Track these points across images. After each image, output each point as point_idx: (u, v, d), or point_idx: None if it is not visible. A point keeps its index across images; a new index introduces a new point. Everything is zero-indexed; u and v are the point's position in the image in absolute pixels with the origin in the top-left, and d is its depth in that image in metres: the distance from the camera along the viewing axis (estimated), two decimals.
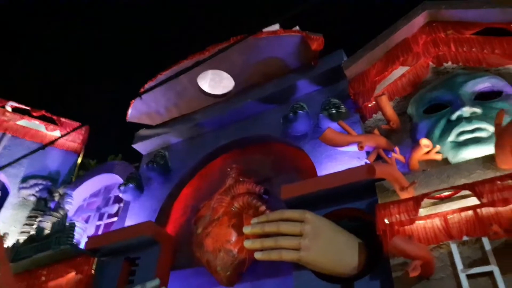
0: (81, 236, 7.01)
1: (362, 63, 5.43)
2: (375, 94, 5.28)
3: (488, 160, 3.71)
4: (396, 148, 4.66)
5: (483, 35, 4.89)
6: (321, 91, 6.39)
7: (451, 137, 4.26)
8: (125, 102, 7.83)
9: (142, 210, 6.91)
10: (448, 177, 3.79)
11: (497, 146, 3.53)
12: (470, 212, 3.48)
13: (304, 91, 6.56)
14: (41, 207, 8.35)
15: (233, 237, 5.49)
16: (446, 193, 3.67)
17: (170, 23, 30.18)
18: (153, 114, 7.88)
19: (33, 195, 8.63)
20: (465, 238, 3.43)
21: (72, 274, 6.15)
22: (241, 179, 6.00)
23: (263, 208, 5.48)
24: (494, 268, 3.17)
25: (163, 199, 6.89)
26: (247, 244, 3.42)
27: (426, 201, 3.67)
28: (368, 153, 4.92)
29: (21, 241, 7.43)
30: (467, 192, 3.51)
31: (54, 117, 9.87)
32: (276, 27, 6.72)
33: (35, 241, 7.00)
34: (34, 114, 9.72)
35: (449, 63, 5.13)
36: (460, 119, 4.27)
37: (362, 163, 4.87)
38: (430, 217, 3.65)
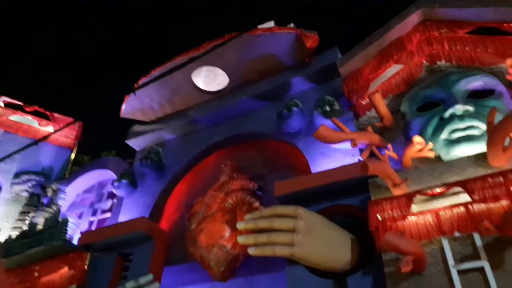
0: (74, 232, 7.00)
1: (356, 61, 5.45)
2: (369, 91, 5.30)
3: (480, 158, 3.76)
4: (389, 145, 4.70)
5: (477, 34, 4.93)
6: (316, 88, 6.41)
7: (444, 135, 4.30)
8: (119, 98, 7.80)
9: (136, 206, 6.90)
10: (440, 174, 3.83)
11: (488, 144, 3.57)
12: (462, 209, 3.52)
13: (299, 89, 6.57)
14: (33, 202, 8.31)
15: (227, 233, 5.51)
16: (438, 190, 3.71)
17: (165, 19, 30.06)
18: (147, 110, 7.86)
19: (26, 190, 8.59)
20: (456, 234, 3.47)
21: (65, 270, 6.14)
22: (235, 176, 6.01)
23: (256, 204, 5.50)
24: (485, 263, 3.22)
25: (157, 195, 6.88)
26: (241, 239, 3.45)
27: (418, 197, 3.71)
28: (361, 150, 4.95)
29: (14, 236, 7.39)
30: (459, 189, 3.56)
31: (47, 113, 9.81)
32: (271, 24, 6.73)
33: (28, 237, 6.98)
34: (27, 109, 9.66)
35: (443, 61, 5.16)
36: (453, 117, 4.31)
37: (355, 160, 4.90)
38: (422, 214, 3.69)
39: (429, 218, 3.64)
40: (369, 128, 4.94)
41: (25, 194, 8.57)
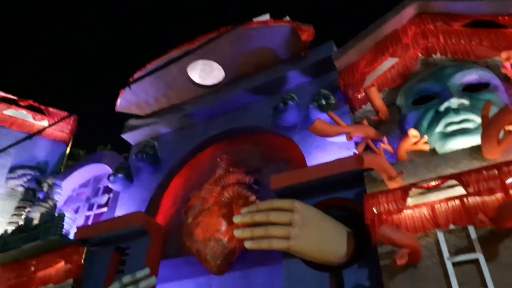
0: (71, 226, 6.98)
1: (352, 54, 5.44)
2: (364, 85, 5.31)
3: (474, 151, 3.78)
4: (385, 139, 4.71)
5: (472, 27, 4.93)
6: (311, 82, 6.40)
7: (439, 128, 4.32)
8: (115, 92, 7.75)
9: (132, 200, 6.90)
10: (435, 167, 3.84)
11: (483, 137, 3.59)
12: (457, 202, 3.54)
13: (294, 82, 6.56)
14: (29, 197, 8.27)
15: (223, 226, 5.52)
16: (434, 183, 3.73)
17: (160, 12, 29.85)
18: (143, 104, 7.83)
19: (21, 185, 8.54)
20: (451, 226, 3.50)
21: (61, 264, 6.14)
22: (231, 170, 6.02)
23: (253, 198, 5.51)
24: (479, 255, 3.25)
25: (153, 189, 6.87)
26: (237, 233, 3.46)
27: (413, 190, 3.73)
28: (357, 143, 4.96)
29: (10, 231, 7.37)
30: (454, 182, 3.58)
31: (42, 107, 9.73)
32: (266, 17, 6.69)
33: (24, 232, 6.95)
34: (22, 103, 9.58)
35: (438, 54, 5.17)
36: (448, 110, 4.32)
37: (351, 153, 4.91)
38: (417, 207, 3.71)
39: (425, 211, 3.66)
40: (365, 122, 4.95)
41: (21, 189, 8.53)
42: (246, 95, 6.82)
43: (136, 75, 7.27)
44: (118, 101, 7.72)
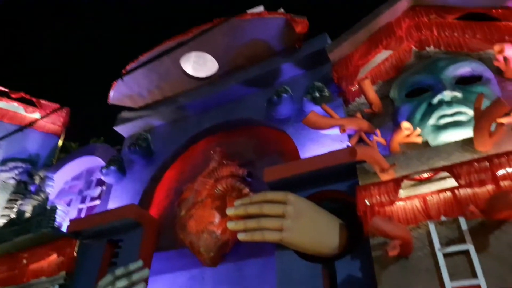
0: (63, 219, 6.95)
1: (345, 47, 5.43)
2: (358, 78, 5.31)
3: (466, 143, 3.80)
4: (378, 131, 4.73)
5: (465, 19, 4.94)
6: (305, 74, 6.40)
7: (432, 121, 4.33)
8: (107, 84, 7.70)
9: (125, 193, 6.88)
10: (427, 159, 3.86)
11: (475, 129, 3.60)
12: (448, 193, 3.57)
13: (288, 75, 6.55)
14: (21, 190, 8.22)
15: (216, 219, 5.53)
16: (426, 175, 3.75)
17: (153, 3, 29.60)
18: (135, 97, 7.78)
19: (13, 178, 8.48)
20: (443, 218, 3.52)
21: (54, 257, 6.11)
22: (224, 162, 6.01)
23: (246, 190, 5.52)
24: (470, 246, 3.28)
25: (146, 181, 6.86)
26: (230, 225, 3.47)
27: (406, 182, 3.75)
28: (350, 136, 4.97)
29: (1, 224, 7.33)
30: (445, 174, 3.60)
31: (34, 99, 9.65)
32: (260, 9, 6.66)
33: (16, 225, 6.92)
34: (13, 96, 9.48)
35: (431, 47, 5.17)
36: (441, 103, 4.33)
37: (344, 146, 4.93)
38: (409, 198, 3.73)
39: (416, 203, 3.68)
40: (358, 114, 4.96)
41: (12, 182, 8.47)
42: (240, 87, 6.80)
43: (128, 67, 7.22)
44: (111, 93, 7.66)
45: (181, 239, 5.77)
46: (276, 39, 6.56)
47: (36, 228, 6.44)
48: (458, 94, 4.31)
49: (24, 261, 6.33)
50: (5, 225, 7.17)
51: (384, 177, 3.88)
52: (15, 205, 7.86)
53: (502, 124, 3.66)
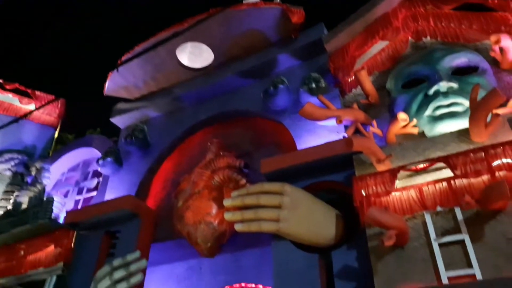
0: (60, 210, 6.95)
1: (342, 37, 5.41)
2: (354, 68, 5.29)
3: (462, 134, 3.81)
4: (374, 122, 4.73)
5: (462, 10, 4.93)
6: (302, 65, 6.38)
7: (428, 112, 4.34)
8: (103, 76, 7.65)
9: (122, 184, 6.88)
10: (424, 150, 3.88)
11: (471, 120, 3.62)
12: (444, 184, 3.58)
13: (285, 65, 6.53)
14: (17, 181, 8.20)
15: (214, 209, 5.54)
16: (422, 166, 3.76)
17: None
18: (131, 88, 7.74)
19: (9, 169, 8.45)
20: (438, 208, 3.54)
21: (51, 248, 6.12)
22: (221, 153, 6.01)
23: (243, 181, 5.53)
24: (465, 236, 3.30)
25: (143, 173, 6.86)
26: (228, 216, 3.48)
27: (402, 173, 3.76)
28: (346, 127, 4.98)
29: None
30: (441, 164, 3.61)
31: (29, 90, 9.57)
32: None
33: (12, 216, 6.91)
34: (7, 87, 9.40)
35: (428, 38, 5.15)
36: (437, 94, 4.34)
37: (340, 137, 4.93)
38: (405, 189, 3.75)
39: (412, 193, 3.70)
40: (354, 105, 4.96)
41: (9, 173, 8.44)
42: (236, 78, 6.78)
43: (124, 58, 7.17)
44: (107, 84, 7.62)
45: (178, 230, 5.79)
46: (272, 29, 6.52)
47: (32, 220, 6.44)
48: (454, 85, 4.31)
49: (22, 252, 6.34)
50: (2, 216, 7.16)
51: (381, 167, 3.89)
52: (12, 197, 7.85)
53: (497, 114, 3.67)
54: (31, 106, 9.43)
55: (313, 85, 5.61)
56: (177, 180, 6.39)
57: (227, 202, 3.54)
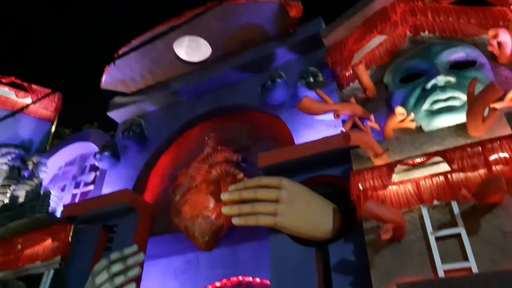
0: (57, 204, 6.94)
1: (340, 31, 5.41)
2: (352, 63, 5.29)
3: (460, 128, 3.82)
4: (372, 116, 4.74)
5: (460, 4, 4.92)
6: (299, 59, 6.37)
7: (425, 106, 4.35)
8: (100, 69, 7.62)
9: (119, 178, 6.87)
10: (421, 144, 3.89)
11: (468, 114, 3.62)
12: (441, 178, 3.60)
13: (282, 59, 6.52)
14: (14, 176, 8.18)
15: (211, 203, 5.55)
16: (419, 160, 3.77)
17: None
18: (128, 81, 7.71)
19: (6, 163, 8.43)
20: (435, 202, 3.56)
21: (48, 242, 6.12)
22: (219, 148, 6.01)
23: (240, 175, 5.53)
24: (461, 230, 3.32)
25: (140, 167, 6.84)
26: (225, 210, 3.49)
27: (399, 167, 3.77)
28: (344, 121, 4.98)
29: None
30: (439, 158, 3.62)
31: (25, 84, 9.52)
32: None
33: (9, 210, 6.90)
34: (3, 80, 9.34)
35: (426, 32, 5.15)
36: (435, 88, 4.34)
37: (338, 131, 4.94)
38: (402, 183, 3.76)
39: (409, 187, 3.72)
40: (352, 100, 4.96)
41: (5, 167, 8.42)
42: (234, 72, 6.76)
43: (121, 51, 7.14)
44: (103, 77, 7.59)
45: (176, 224, 5.79)
46: (270, 23, 6.50)
47: (30, 214, 6.43)
48: (452, 79, 4.31)
49: (19, 246, 6.34)
50: None
51: (378, 162, 3.90)
52: (8, 191, 7.83)
53: (495, 109, 3.69)
54: (28, 100, 9.38)
55: (311, 79, 5.60)
56: (175, 174, 6.39)
57: (224, 196, 3.54)
